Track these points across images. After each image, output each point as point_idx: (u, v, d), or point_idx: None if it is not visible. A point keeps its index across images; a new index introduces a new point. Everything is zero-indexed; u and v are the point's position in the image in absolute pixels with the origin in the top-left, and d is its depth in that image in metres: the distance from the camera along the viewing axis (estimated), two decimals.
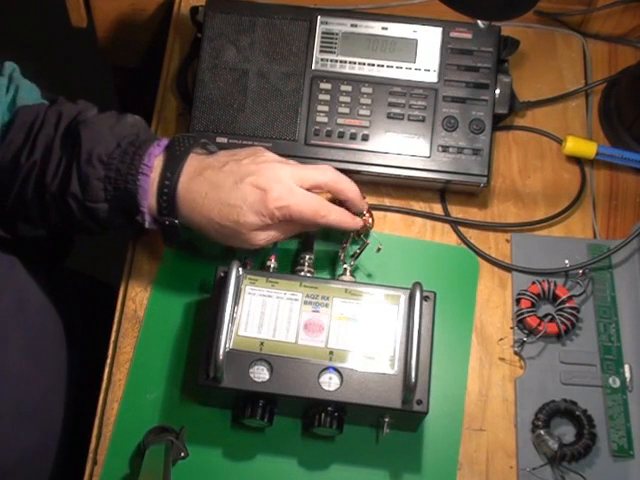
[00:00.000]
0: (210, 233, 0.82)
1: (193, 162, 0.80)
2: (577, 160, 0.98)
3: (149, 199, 0.79)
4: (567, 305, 0.88)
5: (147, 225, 0.81)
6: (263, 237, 0.82)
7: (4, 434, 0.78)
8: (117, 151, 0.79)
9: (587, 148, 0.95)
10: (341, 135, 0.92)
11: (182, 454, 0.81)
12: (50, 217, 0.82)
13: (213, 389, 0.79)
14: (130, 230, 0.87)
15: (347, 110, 0.93)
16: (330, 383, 0.79)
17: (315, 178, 0.83)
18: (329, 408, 0.80)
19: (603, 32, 1.05)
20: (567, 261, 0.91)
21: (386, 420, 0.80)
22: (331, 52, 0.94)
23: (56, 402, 0.88)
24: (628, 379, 0.86)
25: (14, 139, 0.81)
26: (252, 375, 0.79)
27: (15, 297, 0.83)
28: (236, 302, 0.81)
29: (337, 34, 0.94)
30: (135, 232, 0.90)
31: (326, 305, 0.82)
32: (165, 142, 0.81)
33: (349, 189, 0.85)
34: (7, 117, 0.82)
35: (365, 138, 0.92)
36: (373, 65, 0.94)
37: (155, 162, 0.79)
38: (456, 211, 0.95)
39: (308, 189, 0.82)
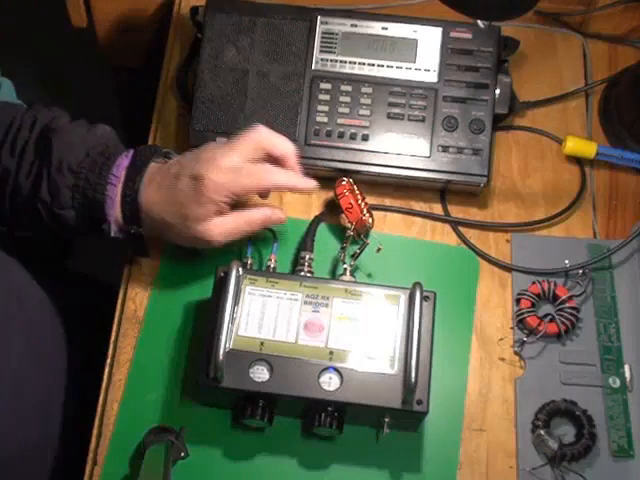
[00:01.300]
0: (171, 237, 0.84)
1: (152, 171, 0.82)
2: (577, 160, 0.98)
3: (115, 209, 0.81)
4: (567, 305, 0.88)
5: (113, 234, 0.83)
6: (217, 230, 0.81)
7: (3, 431, 0.78)
8: (86, 160, 0.81)
9: (587, 148, 0.95)
10: (341, 135, 0.92)
11: (182, 454, 0.80)
12: (21, 218, 0.84)
13: (213, 389, 0.79)
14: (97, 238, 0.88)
15: (347, 110, 0.93)
16: (330, 383, 0.79)
17: (247, 142, 0.82)
18: (329, 408, 0.80)
19: (603, 32, 1.05)
20: (567, 261, 0.91)
21: (386, 420, 0.80)
22: (331, 52, 0.94)
23: (56, 401, 0.88)
24: (628, 379, 0.86)
25: None
26: (252, 375, 0.79)
27: (15, 296, 0.83)
28: (236, 302, 0.81)
29: (337, 34, 0.94)
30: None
31: (326, 305, 0.82)
32: (131, 153, 0.83)
33: (282, 143, 0.84)
34: None
35: (365, 138, 0.92)
36: (373, 65, 0.94)
37: (122, 173, 0.81)
38: (456, 211, 0.95)
39: (250, 160, 0.82)
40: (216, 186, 0.80)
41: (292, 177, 0.84)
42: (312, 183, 0.85)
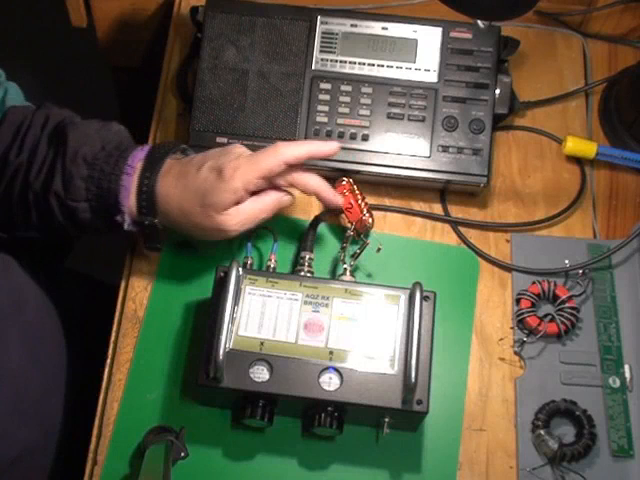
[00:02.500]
0: (187, 228, 0.83)
1: (170, 163, 0.82)
2: (577, 160, 0.98)
3: (130, 199, 0.81)
4: (567, 305, 0.88)
5: (126, 226, 0.82)
6: (235, 220, 0.81)
7: (3, 431, 0.78)
8: (102, 153, 0.81)
9: (587, 148, 0.95)
10: (341, 135, 0.92)
11: (182, 454, 0.80)
12: (31, 217, 0.83)
13: (213, 389, 0.79)
14: (107, 235, 0.88)
15: (347, 110, 0.93)
16: (330, 383, 0.79)
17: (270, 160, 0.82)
18: (329, 408, 0.80)
19: (603, 32, 1.05)
20: (567, 261, 0.91)
21: (386, 420, 0.80)
22: (331, 52, 0.94)
23: (56, 401, 0.88)
24: (628, 379, 0.86)
25: (3, 137, 0.83)
26: (252, 375, 0.79)
27: (13, 296, 0.83)
28: (236, 302, 0.81)
29: (337, 34, 0.94)
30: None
31: (326, 305, 0.82)
32: (147, 147, 0.83)
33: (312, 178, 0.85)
34: None
35: (365, 138, 0.92)
36: (373, 65, 0.94)
37: (137, 164, 0.81)
38: (456, 211, 0.95)
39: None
40: (238, 171, 0.80)
41: (311, 145, 0.84)
42: (332, 145, 0.85)
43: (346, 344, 0.81)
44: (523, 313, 0.88)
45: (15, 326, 0.81)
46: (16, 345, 0.81)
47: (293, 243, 0.91)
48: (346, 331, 0.81)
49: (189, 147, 0.87)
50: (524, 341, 0.88)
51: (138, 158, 0.82)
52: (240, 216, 0.82)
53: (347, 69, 0.94)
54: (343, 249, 0.89)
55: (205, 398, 0.84)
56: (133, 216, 0.82)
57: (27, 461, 0.84)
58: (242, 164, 0.80)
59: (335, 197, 0.87)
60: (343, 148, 0.92)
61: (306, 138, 0.92)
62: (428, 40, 0.94)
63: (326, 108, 0.93)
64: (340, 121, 0.92)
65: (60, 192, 0.81)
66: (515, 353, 0.88)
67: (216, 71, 0.93)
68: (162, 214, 0.82)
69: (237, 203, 0.81)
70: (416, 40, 0.94)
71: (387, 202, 0.95)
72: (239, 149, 0.83)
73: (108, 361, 0.87)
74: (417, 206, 0.95)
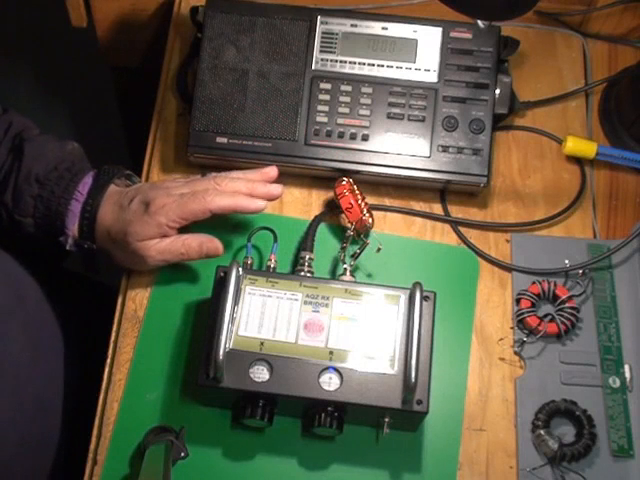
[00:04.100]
0: (115, 254, 0.87)
1: (111, 191, 0.86)
2: (577, 160, 0.98)
3: (75, 223, 0.86)
4: (567, 305, 0.88)
5: (68, 247, 0.87)
6: (154, 248, 0.84)
7: (3, 430, 0.78)
8: (54, 174, 0.85)
9: (587, 148, 0.95)
10: (341, 135, 0.92)
11: (182, 454, 0.80)
12: None
13: (213, 389, 0.79)
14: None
15: (347, 110, 0.93)
16: (330, 383, 0.79)
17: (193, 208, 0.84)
18: (329, 408, 0.80)
19: (603, 32, 1.05)
20: (567, 261, 0.91)
21: (386, 420, 0.80)
22: (331, 52, 0.94)
23: (55, 401, 0.88)
24: (628, 379, 0.86)
25: None
26: (252, 375, 0.79)
27: (14, 295, 0.83)
28: (236, 302, 0.81)
29: (337, 34, 0.94)
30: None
31: (326, 305, 0.82)
32: (93, 173, 0.87)
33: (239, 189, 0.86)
34: None
35: (365, 138, 0.92)
36: (373, 65, 0.94)
37: (85, 190, 0.86)
38: (456, 211, 0.95)
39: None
40: (163, 209, 0.83)
41: (238, 200, 0.85)
42: (259, 203, 0.85)
43: (346, 344, 0.81)
44: (523, 313, 0.88)
45: (16, 325, 0.82)
46: (17, 345, 0.81)
47: (293, 243, 0.91)
48: (346, 331, 0.81)
49: (133, 173, 0.90)
50: (524, 341, 0.88)
51: (87, 184, 0.86)
52: (160, 245, 0.84)
53: (347, 69, 0.94)
54: (343, 249, 0.89)
55: (205, 398, 0.84)
56: (75, 239, 0.86)
57: (27, 460, 0.84)
58: (169, 202, 0.83)
59: (253, 202, 0.86)
60: (343, 148, 0.92)
61: (306, 138, 0.92)
62: (428, 40, 0.94)
63: (326, 108, 0.93)
64: (340, 121, 0.92)
65: (9, 204, 0.85)
66: (515, 353, 0.88)
67: (216, 71, 0.93)
68: (98, 240, 0.86)
69: (163, 236, 0.84)
70: (416, 40, 0.94)
71: (387, 202, 0.95)
72: (172, 184, 0.86)
73: (108, 361, 0.87)
74: (417, 206, 0.95)
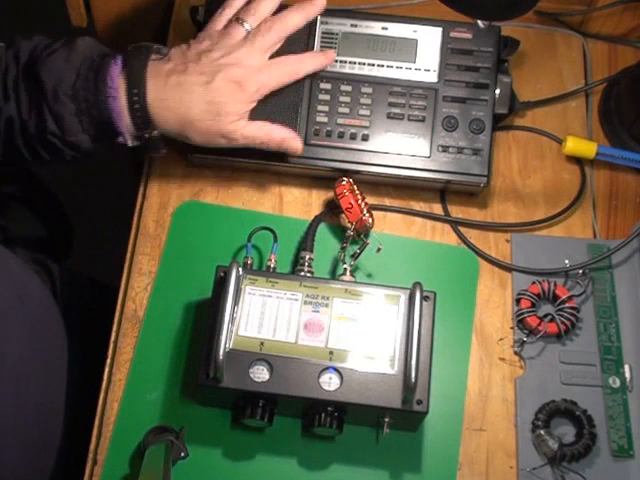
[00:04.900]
0: (190, 135, 0.85)
1: (154, 71, 0.83)
2: (577, 160, 0.98)
3: (124, 119, 0.82)
4: (567, 305, 0.88)
5: (130, 143, 0.84)
6: (242, 130, 0.85)
7: (3, 430, 0.78)
8: (79, 81, 0.81)
9: (587, 148, 0.95)
10: (341, 135, 0.92)
11: (182, 454, 0.81)
12: (41, 155, 0.84)
13: (213, 389, 0.79)
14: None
15: (347, 110, 0.92)
16: (330, 383, 0.79)
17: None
18: (329, 408, 0.80)
19: (603, 32, 1.05)
20: (567, 261, 0.91)
21: (386, 420, 0.80)
22: None
23: (56, 401, 0.88)
24: (628, 379, 0.86)
25: None
26: (252, 375, 0.79)
27: (15, 295, 0.83)
28: (236, 302, 0.81)
29: (337, 34, 0.94)
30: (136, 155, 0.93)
31: (326, 305, 0.82)
32: (120, 58, 0.83)
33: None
34: None
35: (365, 138, 0.92)
36: (373, 65, 0.93)
37: (118, 82, 0.81)
38: (456, 211, 0.95)
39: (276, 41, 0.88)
40: (258, 85, 0.85)
41: (317, 58, 0.90)
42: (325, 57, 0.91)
43: (346, 344, 0.81)
44: (523, 313, 0.88)
45: (17, 325, 0.81)
46: (17, 345, 0.81)
47: (293, 243, 0.91)
48: (346, 331, 0.81)
49: (161, 46, 0.87)
50: (524, 341, 0.88)
51: (115, 75, 0.81)
52: (247, 130, 0.86)
53: (347, 69, 0.94)
54: (343, 249, 0.89)
55: (205, 398, 0.84)
56: (133, 133, 0.83)
57: (28, 461, 0.84)
58: (259, 75, 0.85)
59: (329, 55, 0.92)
60: (343, 148, 0.92)
61: (306, 138, 0.92)
62: (428, 40, 0.94)
63: (326, 108, 0.93)
64: (340, 121, 0.92)
65: (57, 132, 0.81)
66: (515, 353, 0.88)
67: None
68: (161, 124, 0.83)
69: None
70: (416, 40, 0.94)
71: (387, 202, 0.95)
72: (230, 51, 0.85)
73: (108, 361, 0.87)
74: (417, 206, 0.95)
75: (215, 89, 0.83)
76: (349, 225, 0.90)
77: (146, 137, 0.84)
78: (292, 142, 0.88)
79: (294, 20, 0.89)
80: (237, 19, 0.88)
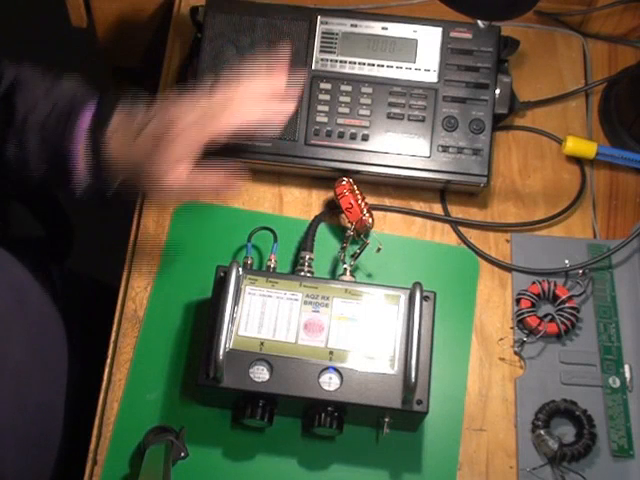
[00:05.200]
0: (142, 184, 0.82)
1: (117, 119, 0.81)
2: (577, 160, 0.98)
3: (80, 163, 0.80)
4: (567, 305, 0.88)
5: (80, 192, 0.81)
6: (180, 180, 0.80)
7: (3, 430, 0.78)
8: (51, 118, 0.80)
9: (587, 148, 0.95)
10: (341, 135, 0.92)
11: (182, 454, 0.81)
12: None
13: (213, 389, 0.79)
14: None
15: (347, 110, 0.93)
16: (330, 383, 0.79)
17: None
18: (329, 408, 0.80)
19: (603, 32, 1.05)
20: (567, 261, 0.91)
21: (386, 420, 0.80)
22: (331, 52, 0.94)
23: (56, 401, 0.88)
24: (628, 379, 0.86)
25: None
26: (252, 375, 0.79)
27: (15, 294, 0.83)
28: (236, 302, 0.81)
29: (337, 34, 0.94)
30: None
31: (326, 305, 0.82)
32: (94, 104, 0.82)
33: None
34: None
35: (365, 138, 0.92)
36: (373, 65, 0.94)
37: (86, 125, 0.80)
38: (456, 211, 0.95)
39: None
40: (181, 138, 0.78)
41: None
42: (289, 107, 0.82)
43: (346, 344, 0.81)
44: (523, 313, 0.88)
45: (17, 325, 0.82)
46: (17, 345, 0.81)
47: (293, 243, 0.91)
48: (346, 331, 0.81)
49: (138, 91, 0.85)
50: (524, 341, 0.88)
51: (87, 119, 0.81)
52: (177, 187, 0.79)
53: (347, 69, 0.94)
54: (343, 249, 0.89)
55: (205, 398, 0.84)
56: (86, 179, 0.81)
57: (28, 461, 0.84)
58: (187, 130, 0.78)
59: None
60: (343, 148, 0.92)
61: (306, 138, 0.92)
62: (428, 40, 0.94)
63: (326, 108, 0.93)
64: (340, 121, 0.92)
65: (13, 156, 0.80)
66: (515, 353, 0.88)
67: (216, 71, 0.93)
68: (114, 173, 0.81)
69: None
70: (416, 40, 0.94)
71: (387, 202, 0.95)
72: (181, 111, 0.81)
73: (108, 361, 0.87)
74: (417, 206, 0.95)
75: (137, 144, 0.79)
76: (349, 225, 0.90)
77: (99, 182, 0.81)
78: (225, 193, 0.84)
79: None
80: None
